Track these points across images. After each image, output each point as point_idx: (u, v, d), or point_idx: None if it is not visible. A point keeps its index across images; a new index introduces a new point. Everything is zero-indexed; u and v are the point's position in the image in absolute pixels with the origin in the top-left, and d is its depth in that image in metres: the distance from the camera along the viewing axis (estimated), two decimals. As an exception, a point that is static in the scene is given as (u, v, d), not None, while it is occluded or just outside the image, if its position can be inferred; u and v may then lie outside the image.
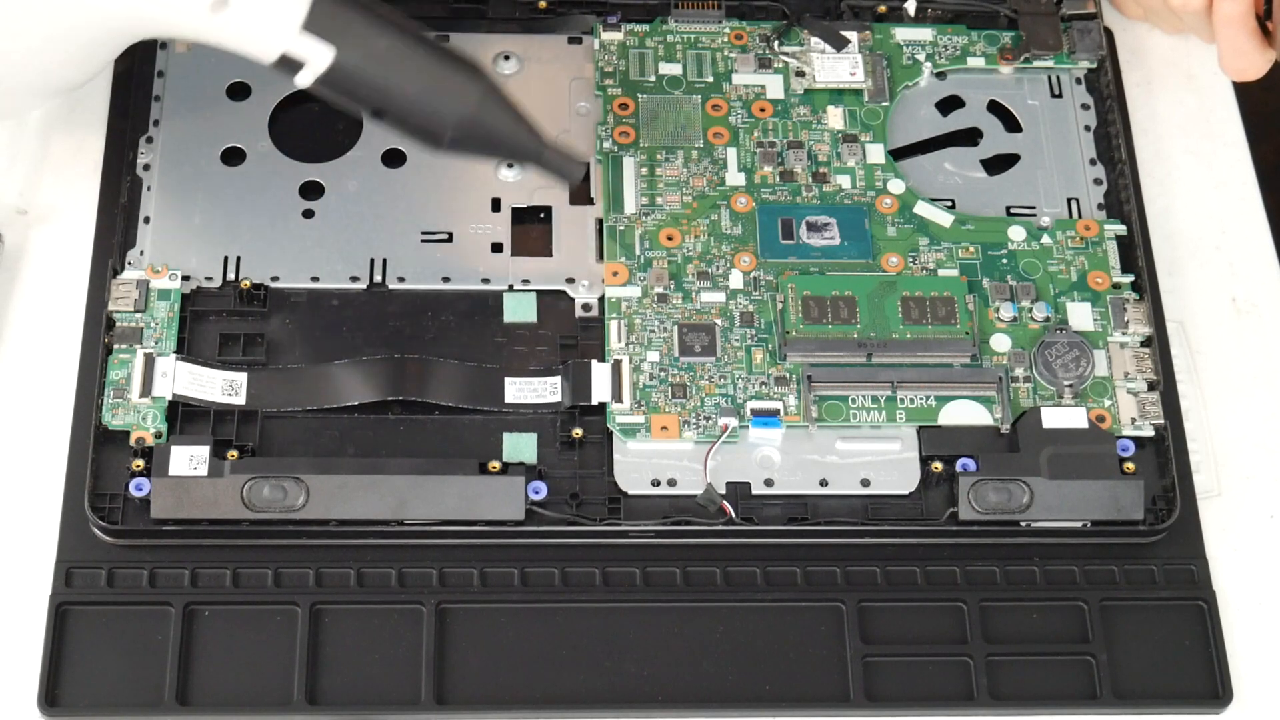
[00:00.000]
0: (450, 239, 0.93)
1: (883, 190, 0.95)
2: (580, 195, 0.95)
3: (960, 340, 0.90)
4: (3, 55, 0.84)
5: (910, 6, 1.02)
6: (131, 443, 0.86)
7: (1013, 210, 0.96)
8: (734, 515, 0.86)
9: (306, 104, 0.97)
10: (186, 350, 0.89)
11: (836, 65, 0.99)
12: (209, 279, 0.91)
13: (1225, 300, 0.97)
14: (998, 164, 0.98)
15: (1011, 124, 0.99)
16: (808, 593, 0.86)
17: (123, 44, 0.87)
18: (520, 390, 0.89)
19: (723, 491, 0.87)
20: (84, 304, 0.91)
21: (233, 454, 0.86)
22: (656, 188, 0.95)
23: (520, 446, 0.88)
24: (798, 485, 0.87)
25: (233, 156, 0.95)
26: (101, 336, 0.88)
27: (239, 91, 0.97)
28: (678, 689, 0.83)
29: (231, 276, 0.91)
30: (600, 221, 0.94)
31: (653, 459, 0.88)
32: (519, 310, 0.92)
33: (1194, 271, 0.97)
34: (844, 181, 0.96)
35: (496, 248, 0.93)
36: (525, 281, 0.92)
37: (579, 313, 0.92)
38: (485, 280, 0.92)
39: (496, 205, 0.94)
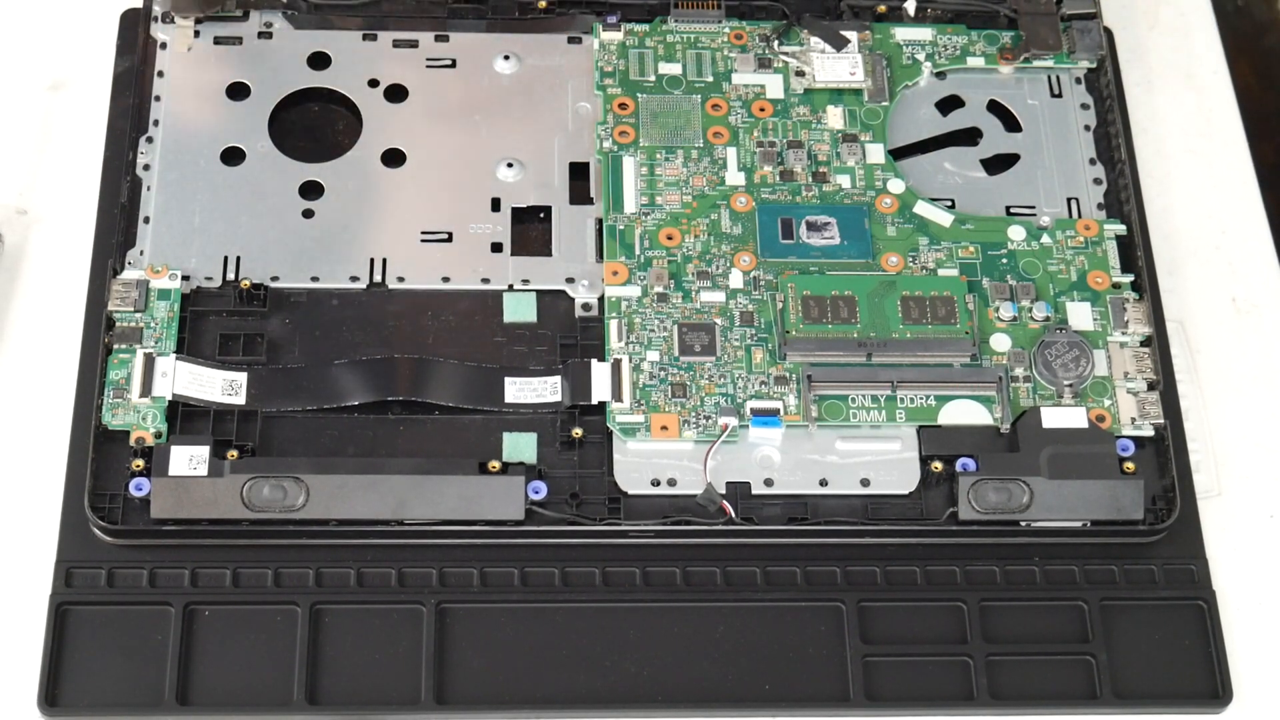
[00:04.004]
0: (450, 239, 0.93)
1: (882, 190, 0.95)
2: (580, 195, 0.95)
3: (960, 340, 0.90)
4: None
5: (910, 6, 1.01)
6: (131, 443, 0.86)
7: (1012, 210, 0.96)
8: (734, 515, 0.86)
9: (306, 104, 0.97)
10: (186, 350, 0.88)
11: (836, 65, 0.99)
12: (209, 279, 0.91)
13: (1225, 300, 0.97)
14: (997, 164, 0.98)
15: (1011, 124, 0.99)
16: (807, 592, 0.86)
17: None
18: (520, 390, 0.89)
19: (723, 491, 0.87)
20: (84, 304, 0.91)
21: (233, 454, 0.86)
22: (656, 187, 0.95)
23: (520, 446, 0.88)
24: (797, 485, 0.87)
25: (233, 156, 0.95)
26: (101, 336, 0.88)
27: (239, 91, 0.97)
28: (678, 689, 0.83)
29: (231, 276, 0.91)
30: (600, 221, 0.94)
31: (653, 459, 0.88)
32: (519, 310, 0.92)
33: (1194, 271, 0.97)
34: (844, 181, 0.96)
35: (496, 247, 0.93)
36: (525, 281, 0.92)
37: (579, 312, 0.92)
38: (485, 280, 0.92)
39: (496, 205, 0.94)
